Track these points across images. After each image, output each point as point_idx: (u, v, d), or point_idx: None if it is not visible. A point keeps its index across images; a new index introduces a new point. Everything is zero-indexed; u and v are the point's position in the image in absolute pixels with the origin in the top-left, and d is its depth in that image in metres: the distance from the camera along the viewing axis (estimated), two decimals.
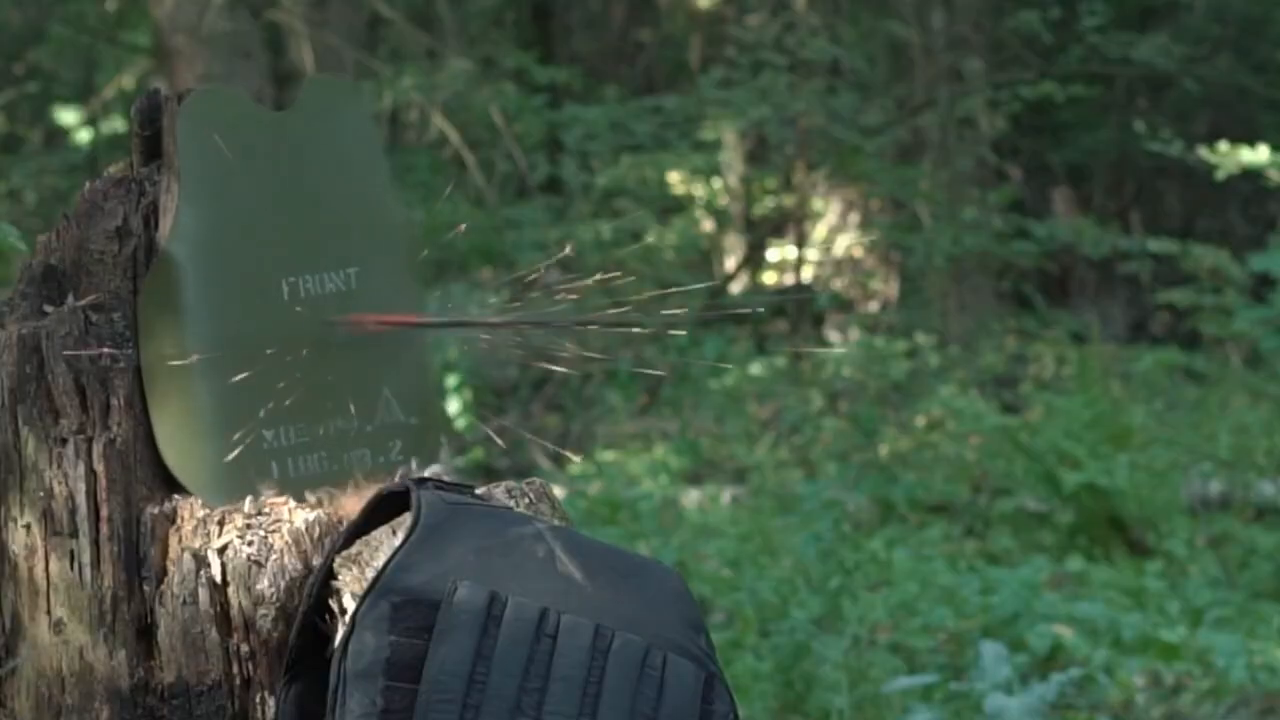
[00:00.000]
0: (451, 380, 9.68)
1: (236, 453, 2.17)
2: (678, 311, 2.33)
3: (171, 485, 2.17)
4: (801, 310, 12.84)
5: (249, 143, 2.21)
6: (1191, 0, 14.52)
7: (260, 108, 2.27)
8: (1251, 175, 10.37)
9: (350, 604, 1.98)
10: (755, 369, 11.22)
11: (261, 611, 2.07)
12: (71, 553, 2.13)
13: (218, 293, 2.19)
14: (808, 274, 13.52)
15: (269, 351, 2.19)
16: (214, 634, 2.09)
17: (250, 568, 2.08)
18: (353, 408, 2.23)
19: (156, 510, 2.14)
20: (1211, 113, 14.42)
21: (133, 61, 14.26)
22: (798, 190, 13.24)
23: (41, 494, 2.14)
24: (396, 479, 2.12)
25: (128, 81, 14.08)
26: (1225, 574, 7.60)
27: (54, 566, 2.14)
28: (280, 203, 2.23)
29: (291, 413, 2.20)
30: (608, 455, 9.75)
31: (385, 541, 2.02)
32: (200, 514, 2.13)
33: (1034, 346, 12.01)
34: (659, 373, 10.37)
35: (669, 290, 2.45)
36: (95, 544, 2.13)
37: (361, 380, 2.24)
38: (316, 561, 2.07)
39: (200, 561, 2.10)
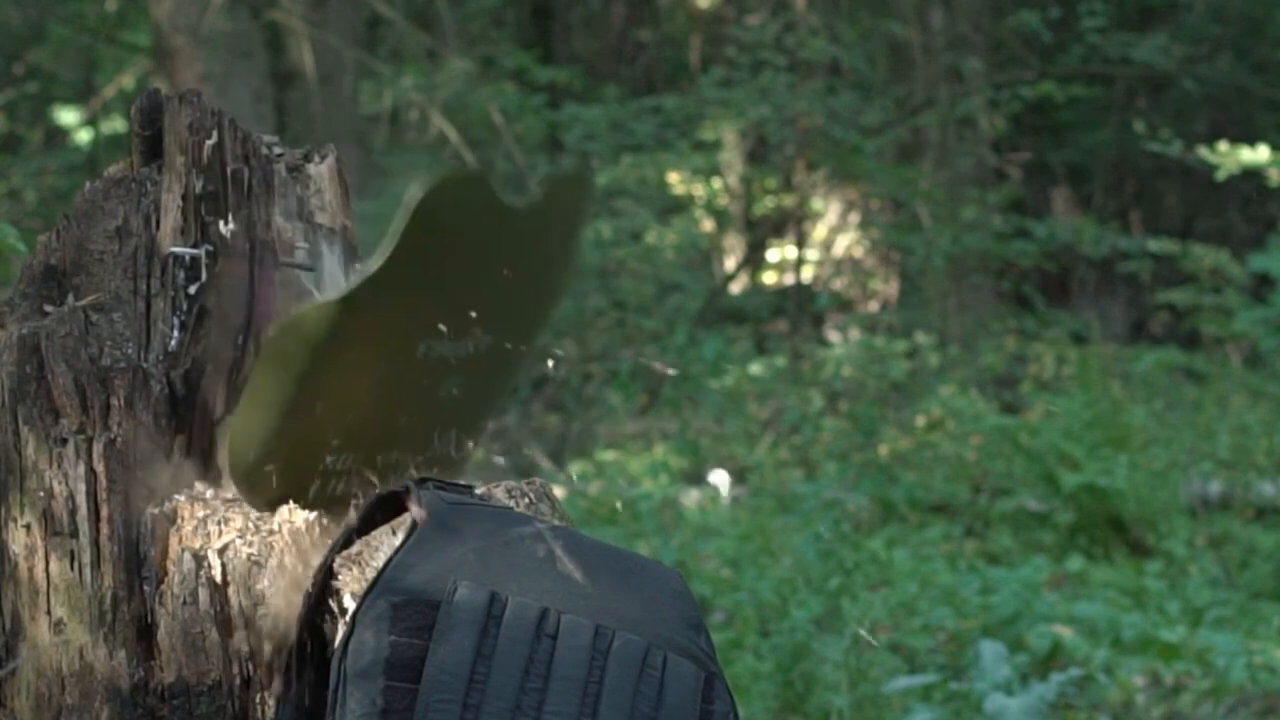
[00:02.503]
0: None
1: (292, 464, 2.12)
2: None
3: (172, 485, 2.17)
4: (801, 310, 12.84)
5: (471, 229, 2.09)
6: (1191, 0, 14.52)
7: (499, 198, 2.10)
8: (1251, 175, 10.37)
9: (350, 604, 1.98)
10: (755, 369, 11.22)
11: (261, 611, 2.07)
12: (71, 553, 2.13)
13: (363, 335, 2.09)
14: (807, 274, 13.51)
15: (381, 398, 2.12)
16: (214, 634, 2.09)
17: (250, 568, 2.08)
18: (415, 442, 2.18)
19: (156, 510, 2.14)
20: (1211, 113, 14.42)
21: (133, 61, 14.25)
22: (798, 190, 13.24)
23: (41, 494, 2.14)
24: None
25: (128, 81, 14.07)
26: (1225, 574, 7.60)
27: (54, 566, 2.13)
28: (469, 281, 2.13)
29: (359, 443, 2.15)
30: (608, 455, 9.75)
31: (385, 541, 2.02)
32: (200, 514, 2.13)
33: (1034, 346, 12.02)
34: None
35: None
36: (95, 544, 2.13)
37: (440, 422, 2.20)
38: (316, 561, 2.07)
39: (200, 561, 2.09)
